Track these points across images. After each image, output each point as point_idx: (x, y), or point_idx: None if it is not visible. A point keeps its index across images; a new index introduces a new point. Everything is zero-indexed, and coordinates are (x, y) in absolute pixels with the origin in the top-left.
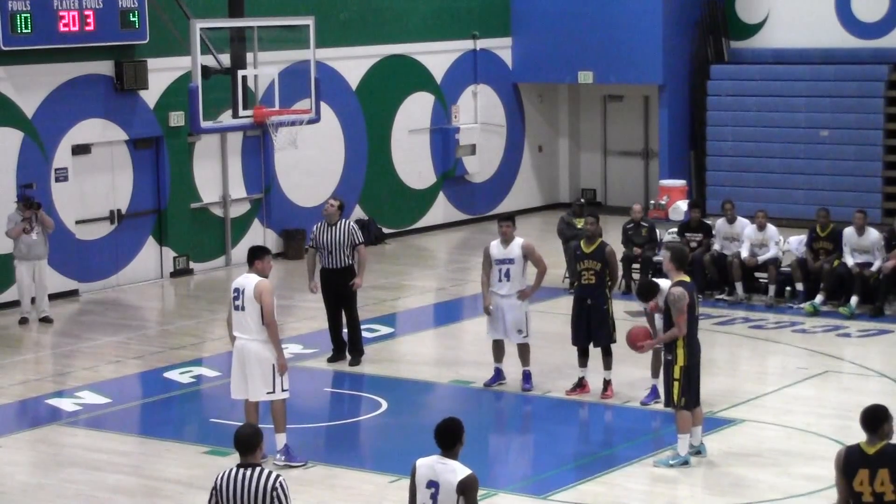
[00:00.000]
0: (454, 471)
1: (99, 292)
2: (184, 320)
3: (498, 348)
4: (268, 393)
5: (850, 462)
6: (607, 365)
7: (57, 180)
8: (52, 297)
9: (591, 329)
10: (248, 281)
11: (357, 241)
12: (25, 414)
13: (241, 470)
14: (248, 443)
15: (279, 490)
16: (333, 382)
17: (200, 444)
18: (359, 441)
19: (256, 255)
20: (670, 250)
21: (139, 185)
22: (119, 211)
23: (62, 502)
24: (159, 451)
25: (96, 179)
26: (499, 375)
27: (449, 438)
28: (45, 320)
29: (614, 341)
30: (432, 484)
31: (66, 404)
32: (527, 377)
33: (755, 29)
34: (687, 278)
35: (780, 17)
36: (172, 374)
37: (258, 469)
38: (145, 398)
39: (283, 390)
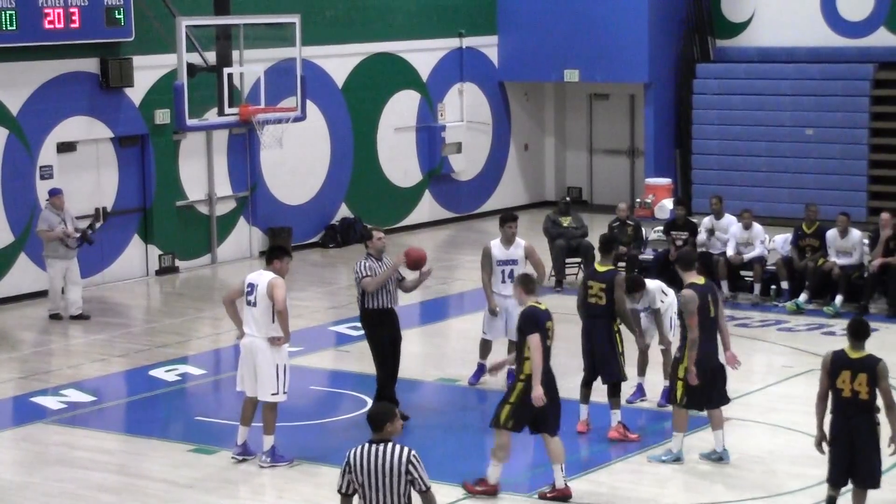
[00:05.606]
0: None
1: (84, 290)
2: (169, 318)
3: (485, 346)
4: (272, 394)
5: (837, 363)
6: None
7: (42, 178)
8: (37, 295)
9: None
10: (262, 278)
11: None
12: (10, 412)
13: (374, 446)
14: (381, 420)
15: (414, 463)
16: (319, 380)
17: (185, 442)
18: (344, 439)
19: (276, 255)
20: (677, 255)
21: (124, 182)
22: (104, 209)
23: (47, 500)
24: (144, 449)
25: (81, 177)
26: (482, 371)
27: (865, 334)
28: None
29: None
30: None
31: (50, 402)
32: (512, 375)
33: (741, 28)
34: (700, 280)
35: (765, 16)
36: (157, 372)
37: (390, 444)
38: (130, 396)
39: (284, 393)
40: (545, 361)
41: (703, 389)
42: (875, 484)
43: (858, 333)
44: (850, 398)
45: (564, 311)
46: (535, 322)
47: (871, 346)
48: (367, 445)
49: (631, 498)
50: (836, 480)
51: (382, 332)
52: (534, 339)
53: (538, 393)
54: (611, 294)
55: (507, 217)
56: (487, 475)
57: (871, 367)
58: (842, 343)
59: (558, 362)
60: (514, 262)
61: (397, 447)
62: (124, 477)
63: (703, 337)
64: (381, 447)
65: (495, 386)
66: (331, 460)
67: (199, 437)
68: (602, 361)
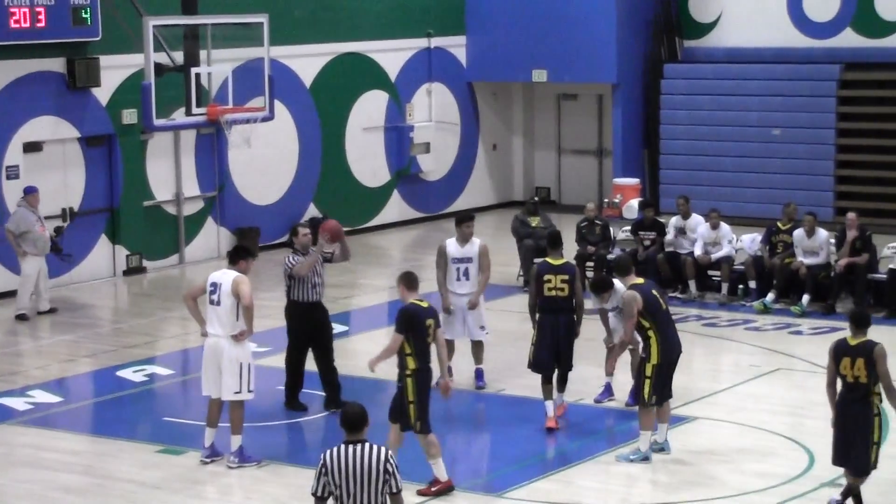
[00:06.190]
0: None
1: (51, 290)
2: (137, 319)
3: (449, 347)
4: (235, 393)
5: (838, 350)
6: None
7: (8, 178)
8: (5, 295)
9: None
10: (226, 277)
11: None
12: None
13: (351, 446)
14: (356, 421)
15: (392, 462)
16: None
17: (153, 443)
18: (311, 439)
19: (240, 255)
20: (614, 262)
21: (91, 182)
22: (71, 209)
23: (13, 502)
24: (112, 450)
25: (48, 177)
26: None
27: (864, 323)
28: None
29: None
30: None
31: (17, 403)
32: (480, 375)
33: (708, 28)
34: (639, 280)
35: (732, 17)
36: (125, 373)
37: (367, 445)
38: (98, 397)
39: (249, 391)
40: (426, 359)
41: (666, 382)
42: (860, 472)
43: (858, 322)
44: (853, 384)
45: None
46: (409, 322)
47: None
48: (342, 446)
49: (599, 497)
50: (834, 460)
51: (303, 325)
52: (396, 340)
53: (373, 361)
54: (573, 285)
55: (465, 217)
56: (435, 475)
57: (868, 351)
58: (808, 343)
59: (519, 361)
60: (469, 259)
61: (374, 447)
62: (92, 478)
63: (664, 330)
64: (359, 448)
65: (463, 386)
66: (298, 460)
67: (166, 437)
68: (565, 355)
